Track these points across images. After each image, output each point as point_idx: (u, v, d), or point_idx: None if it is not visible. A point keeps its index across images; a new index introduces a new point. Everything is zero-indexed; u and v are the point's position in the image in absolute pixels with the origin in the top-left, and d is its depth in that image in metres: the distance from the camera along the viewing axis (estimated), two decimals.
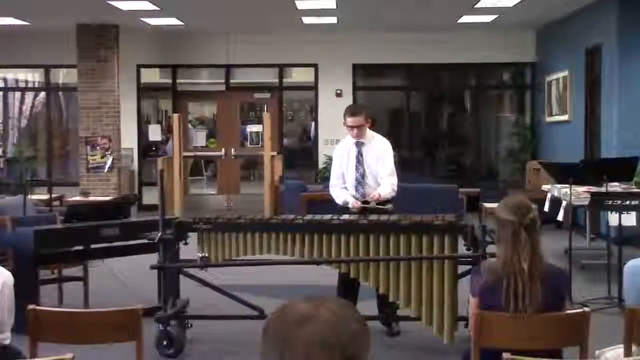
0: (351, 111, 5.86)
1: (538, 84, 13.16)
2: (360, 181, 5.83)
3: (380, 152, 5.86)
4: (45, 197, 10.67)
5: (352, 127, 5.80)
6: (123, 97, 12.87)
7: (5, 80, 14.52)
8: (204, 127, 16.48)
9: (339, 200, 5.87)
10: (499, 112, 14.99)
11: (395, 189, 5.82)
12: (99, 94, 12.35)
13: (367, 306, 5.73)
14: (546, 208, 8.07)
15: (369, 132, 5.94)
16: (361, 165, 5.84)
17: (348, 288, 5.62)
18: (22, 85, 15.00)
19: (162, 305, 5.37)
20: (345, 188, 5.90)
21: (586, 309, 3.35)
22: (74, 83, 12.76)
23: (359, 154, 5.86)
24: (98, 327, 3.38)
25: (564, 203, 7.63)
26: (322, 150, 13.42)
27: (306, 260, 5.27)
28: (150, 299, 5.96)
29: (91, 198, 11.54)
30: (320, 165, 13.36)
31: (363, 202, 5.73)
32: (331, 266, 5.31)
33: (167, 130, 13.87)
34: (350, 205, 5.74)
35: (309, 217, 5.45)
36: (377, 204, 5.67)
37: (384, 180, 5.79)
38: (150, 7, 10.67)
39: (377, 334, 5.54)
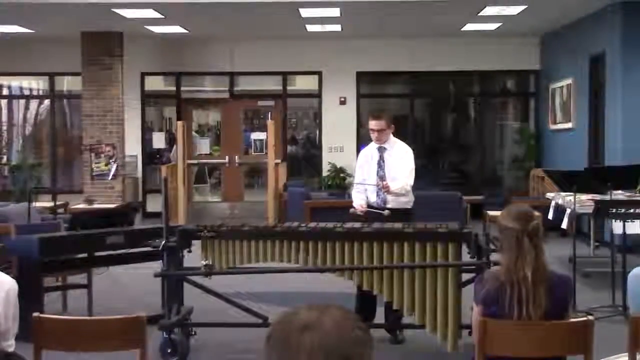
0: (373, 114, 6.02)
1: (542, 91, 13.16)
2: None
3: (400, 156, 5.92)
4: (50, 204, 10.68)
5: (373, 130, 5.91)
6: (127, 105, 12.89)
7: (9, 87, 14.57)
8: (210, 135, 16.48)
9: (354, 202, 5.99)
10: (502, 119, 14.97)
11: (408, 188, 5.86)
12: (103, 101, 12.38)
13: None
14: (550, 216, 8.05)
15: (392, 138, 6.02)
16: (382, 170, 5.88)
17: (365, 302, 5.64)
18: (26, 92, 15.03)
19: (166, 312, 5.36)
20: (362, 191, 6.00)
21: (590, 317, 3.34)
22: (78, 90, 12.79)
23: (381, 159, 5.93)
24: (102, 335, 3.38)
25: (568, 211, 7.62)
26: (326, 158, 13.42)
27: (310, 268, 5.27)
28: (154, 306, 5.96)
29: (95, 205, 11.55)
30: (324, 173, 13.35)
31: (378, 208, 5.80)
32: (335, 274, 5.30)
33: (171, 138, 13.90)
34: (353, 209, 5.90)
35: (312, 224, 5.46)
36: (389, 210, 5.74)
37: (400, 178, 5.83)
38: (155, 15, 10.70)
39: (382, 342, 5.54)
